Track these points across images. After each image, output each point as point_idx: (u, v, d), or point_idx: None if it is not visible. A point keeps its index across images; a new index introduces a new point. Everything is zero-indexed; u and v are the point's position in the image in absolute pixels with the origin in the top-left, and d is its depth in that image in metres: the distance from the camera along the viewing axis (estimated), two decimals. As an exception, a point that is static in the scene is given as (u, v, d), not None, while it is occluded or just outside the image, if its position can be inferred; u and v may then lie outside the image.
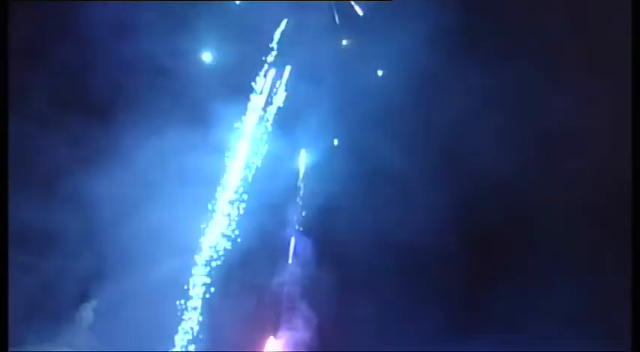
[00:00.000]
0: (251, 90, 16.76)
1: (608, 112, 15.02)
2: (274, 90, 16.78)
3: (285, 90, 16.76)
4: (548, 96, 15.94)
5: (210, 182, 16.31)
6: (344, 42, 16.66)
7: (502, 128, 15.88)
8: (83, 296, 15.66)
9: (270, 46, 16.61)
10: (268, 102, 16.80)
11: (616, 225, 14.14)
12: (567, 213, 16.02)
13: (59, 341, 15.12)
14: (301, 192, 16.79)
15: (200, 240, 16.00)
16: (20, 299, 14.30)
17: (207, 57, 16.89)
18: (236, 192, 16.53)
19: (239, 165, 16.68)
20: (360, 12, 16.44)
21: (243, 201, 16.50)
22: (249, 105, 16.75)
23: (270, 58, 16.62)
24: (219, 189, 16.34)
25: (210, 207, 16.07)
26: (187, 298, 15.82)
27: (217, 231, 16.29)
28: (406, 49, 15.74)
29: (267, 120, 16.78)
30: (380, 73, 16.78)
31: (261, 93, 16.75)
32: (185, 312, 15.79)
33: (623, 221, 12.97)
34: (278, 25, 16.69)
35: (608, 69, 15.16)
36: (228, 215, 16.34)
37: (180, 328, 15.74)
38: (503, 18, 15.92)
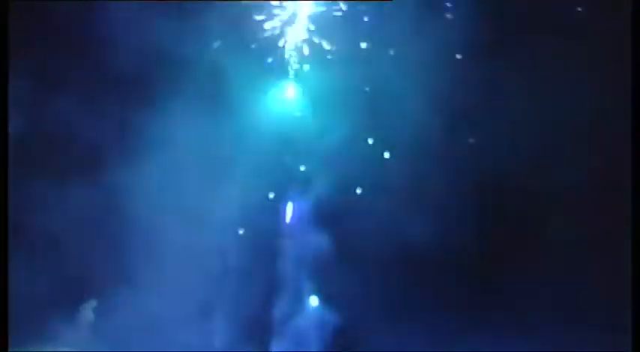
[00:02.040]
0: (280, 75, 16.89)
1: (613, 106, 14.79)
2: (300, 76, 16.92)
3: (307, 79, 16.89)
4: (558, 90, 15.73)
5: (227, 172, 16.47)
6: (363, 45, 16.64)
7: (515, 121, 15.75)
8: (91, 294, 15.86)
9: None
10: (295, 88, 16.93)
11: (623, 224, 13.86)
12: (574, 210, 15.85)
13: (60, 341, 15.21)
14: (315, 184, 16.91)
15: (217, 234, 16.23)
16: (26, 296, 14.62)
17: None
18: (257, 182, 16.75)
19: (263, 153, 16.89)
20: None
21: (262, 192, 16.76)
22: (277, 91, 16.89)
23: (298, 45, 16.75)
24: (239, 178, 16.55)
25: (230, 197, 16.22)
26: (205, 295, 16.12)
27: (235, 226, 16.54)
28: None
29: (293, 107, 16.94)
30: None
31: (289, 79, 16.88)
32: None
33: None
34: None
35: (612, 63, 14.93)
36: (248, 206, 16.58)
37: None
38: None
